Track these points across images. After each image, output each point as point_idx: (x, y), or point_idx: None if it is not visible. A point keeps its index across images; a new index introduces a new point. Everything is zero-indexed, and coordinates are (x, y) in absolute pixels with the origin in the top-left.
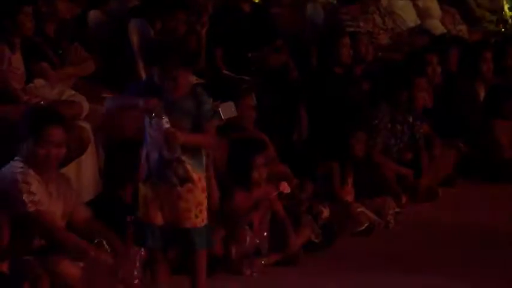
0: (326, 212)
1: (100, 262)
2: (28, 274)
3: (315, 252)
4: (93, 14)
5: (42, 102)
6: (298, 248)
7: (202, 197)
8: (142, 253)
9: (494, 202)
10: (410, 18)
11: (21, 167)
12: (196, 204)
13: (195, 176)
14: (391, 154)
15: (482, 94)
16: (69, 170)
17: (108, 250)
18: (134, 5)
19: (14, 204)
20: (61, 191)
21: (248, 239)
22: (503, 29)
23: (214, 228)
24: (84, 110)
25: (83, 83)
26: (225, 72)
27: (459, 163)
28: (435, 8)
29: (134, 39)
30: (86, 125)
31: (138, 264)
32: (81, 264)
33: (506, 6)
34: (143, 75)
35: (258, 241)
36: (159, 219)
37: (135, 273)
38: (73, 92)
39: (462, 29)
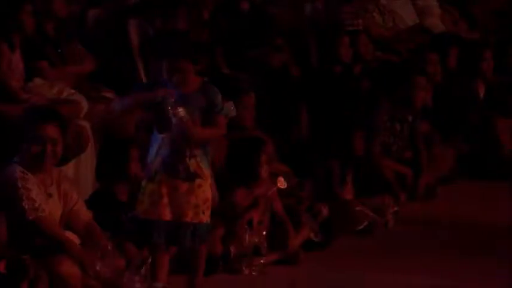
0: (325, 211)
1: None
2: (26, 274)
3: (314, 251)
4: (92, 13)
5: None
6: (298, 247)
7: (209, 194)
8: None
9: (493, 201)
10: (410, 17)
11: (22, 172)
12: (204, 200)
13: (205, 171)
14: (390, 153)
15: (482, 92)
16: (68, 168)
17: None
18: (133, 3)
19: (14, 210)
20: (62, 191)
21: (247, 238)
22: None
23: (213, 227)
24: (84, 109)
25: (82, 81)
26: (225, 71)
27: (458, 161)
28: (435, 7)
29: (133, 38)
30: (85, 124)
31: (139, 270)
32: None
33: None
34: (142, 74)
35: (257, 240)
36: (167, 215)
37: (137, 278)
38: (72, 91)
39: (461, 27)
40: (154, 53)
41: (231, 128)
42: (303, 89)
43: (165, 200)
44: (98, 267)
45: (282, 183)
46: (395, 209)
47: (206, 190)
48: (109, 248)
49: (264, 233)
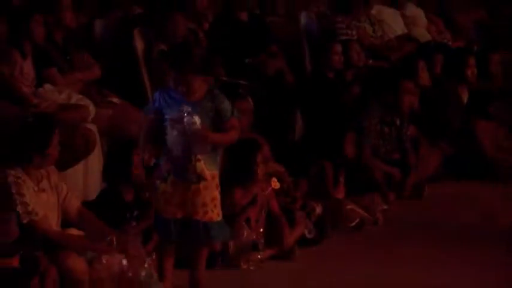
0: (319, 209)
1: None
2: (37, 269)
3: (308, 247)
4: (98, 23)
5: (51, 105)
6: (293, 243)
7: (216, 193)
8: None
9: (477, 200)
10: (398, 27)
11: (15, 176)
12: (212, 199)
13: (208, 173)
14: (379, 154)
15: (465, 97)
16: (77, 169)
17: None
18: (137, 13)
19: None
20: (52, 184)
21: (245, 234)
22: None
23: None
24: (91, 113)
25: (89, 87)
26: (224, 77)
27: (444, 163)
28: (421, 17)
29: (138, 46)
30: (93, 127)
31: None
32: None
33: None
34: (146, 80)
35: (254, 237)
36: (178, 213)
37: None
38: (80, 96)
39: (446, 36)
40: (166, 64)
41: None
42: (297, 94)
43: (176, 199)
44: (104, 260)
45: (275, 183)
46: (384, 207)
47: (212, 189)
48: (114, 241)
49: (261, 230)
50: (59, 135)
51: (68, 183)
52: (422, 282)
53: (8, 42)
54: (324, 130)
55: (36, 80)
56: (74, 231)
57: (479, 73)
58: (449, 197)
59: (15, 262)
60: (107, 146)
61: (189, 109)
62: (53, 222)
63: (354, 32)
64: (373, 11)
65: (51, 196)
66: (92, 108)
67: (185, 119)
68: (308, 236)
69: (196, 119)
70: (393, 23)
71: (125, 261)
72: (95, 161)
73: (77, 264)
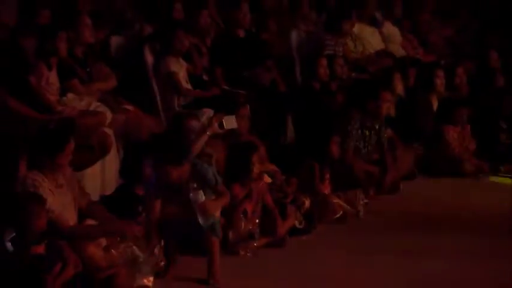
0: (307, 203)
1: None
2: (60, 256)
3: (298, 236)
4: (114, 39)
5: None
6: (285, 233)
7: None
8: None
9: (447, 193)
10: (377, 43)
11: (33, 179)
12: None
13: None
14: (361, 155)
15: (435, 105)
16: (95, 168)
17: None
18: (148, 32)
19: None
20: (67, 180)
21: (243, 225)
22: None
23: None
24: (108, 119)
25: (106, 96)
26: (225, 87)
27: (417, 162)
28: (397, 35)
29: (149, 60)
30: (109, 131)
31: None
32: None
33: None
34: (156, 90)
35: (251, 227)
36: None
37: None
38: (98, 103)
39: (419, 52)
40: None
41: (229, 134)
42: (289, 102)
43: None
44: (120, 249)
45: (267, 179)
46: (365, 201)
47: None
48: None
49: (257, 221)
50: (80, 139)
51: (87, 180)
52: (401, 266)
53: (36, 56)
54: (312, 134)
55: (60, 90)
56: (90, 221)
57: (447, 84)
58: (421, 191)
59: (41, 249)
60: (122, 148)
61: (194, 185)
62: (70, 215)
63: (341, 49)
64: (355, 29)
65: (68, 190)
66: (108, 114)
67: (191, 195)
68: (298, 226)
69: (200, 194)
70: (372, 39)
71: (135, 248)
72: (112, 160)
73: (95, 252)
